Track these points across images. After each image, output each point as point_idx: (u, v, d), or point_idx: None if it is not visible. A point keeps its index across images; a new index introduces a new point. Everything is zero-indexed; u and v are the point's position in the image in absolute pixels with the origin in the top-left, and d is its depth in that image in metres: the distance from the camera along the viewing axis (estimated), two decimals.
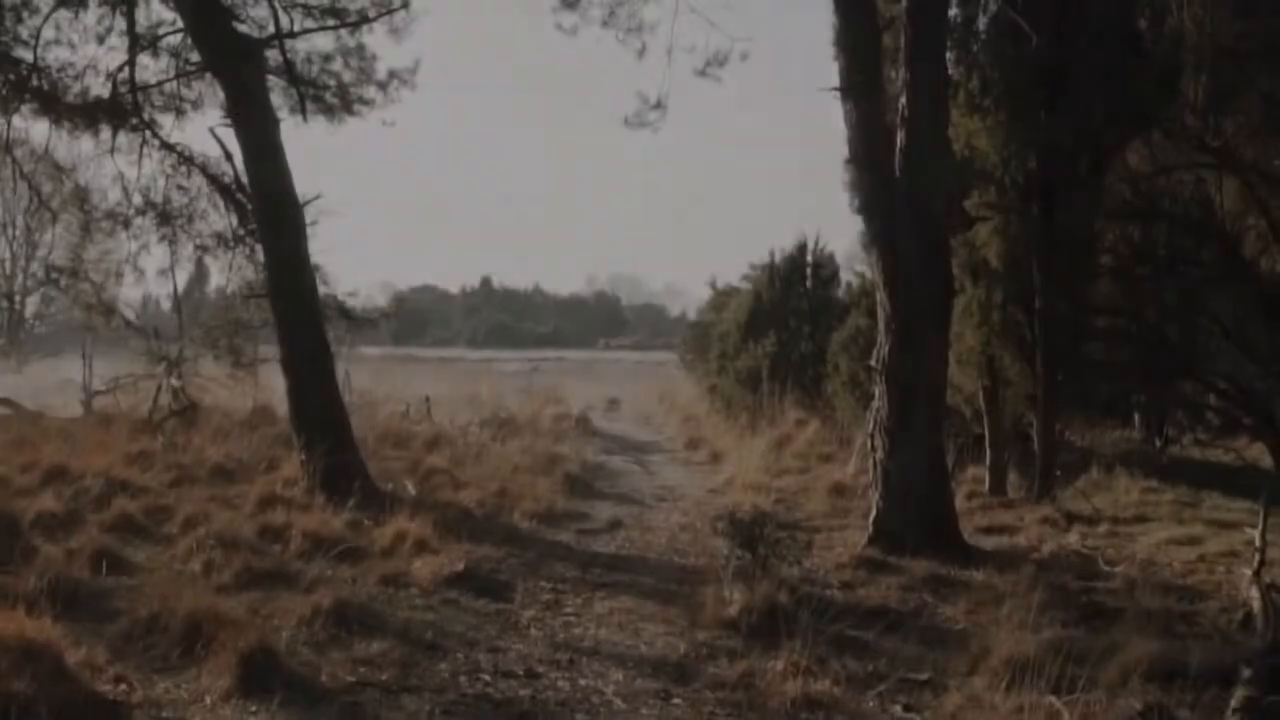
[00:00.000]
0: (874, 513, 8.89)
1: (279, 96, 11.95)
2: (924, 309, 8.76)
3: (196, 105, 12.52)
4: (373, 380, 20.59)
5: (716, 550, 8.70)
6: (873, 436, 9.01)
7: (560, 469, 12.72)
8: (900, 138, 8.80)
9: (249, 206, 11.11)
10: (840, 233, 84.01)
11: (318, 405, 10.37)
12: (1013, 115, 10.74)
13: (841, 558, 8.49)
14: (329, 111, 12.40)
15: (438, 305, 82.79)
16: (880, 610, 7.10)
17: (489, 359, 44.66)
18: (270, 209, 10.33)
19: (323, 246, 16.82)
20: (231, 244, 11.88)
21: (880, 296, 8.92)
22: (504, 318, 75.85)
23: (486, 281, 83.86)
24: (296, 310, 10.42)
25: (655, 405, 24.92)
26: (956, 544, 8.70)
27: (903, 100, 8.83)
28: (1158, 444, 14.97)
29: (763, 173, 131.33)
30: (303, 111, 11.74)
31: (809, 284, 19.29)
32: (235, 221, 11.68)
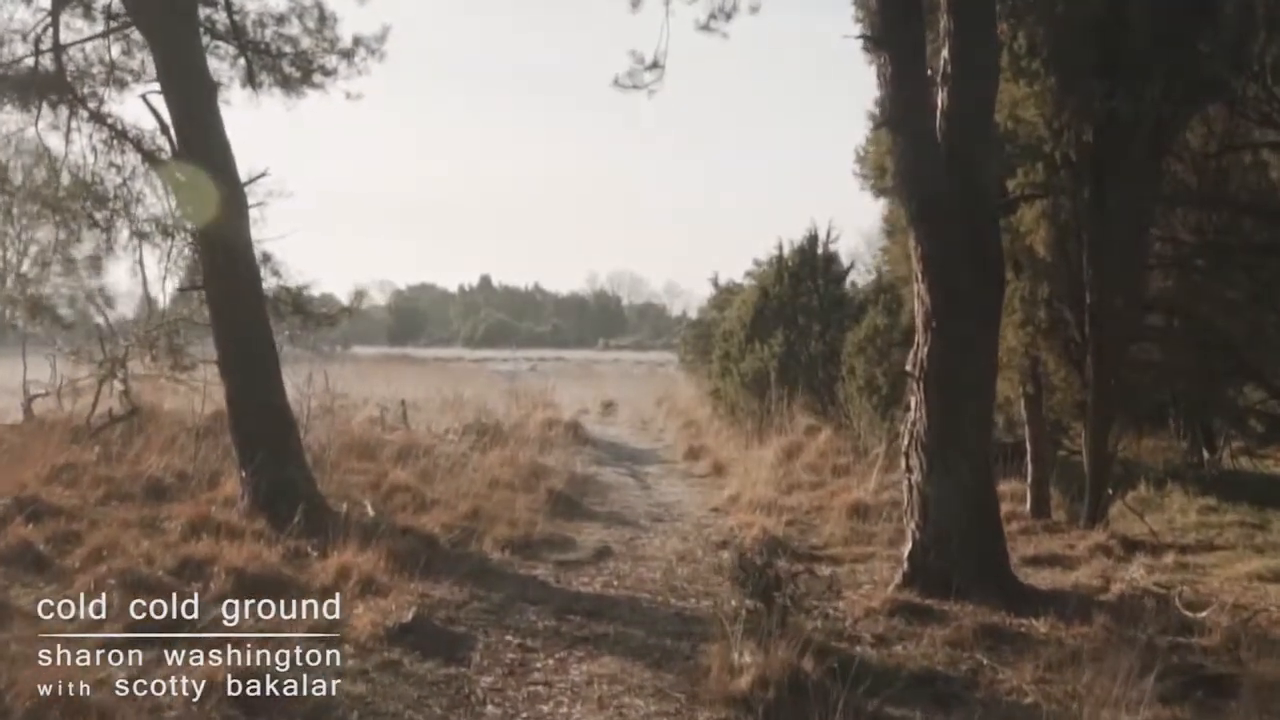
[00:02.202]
0: (909, 546, 7.44)
1: (230, 68, 10.65)
2: (971, 301, 7.25)
3: (138, 76, 11.13)
4: (356, 381, 19.27)
5: (721, 590, 7.33)
6: (907, 455, 7.53)
7: (544, 484, 11.34)
8: (941, 98, 7.36)
9: None
10: (844, 234, 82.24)
11: (259, 413, 8.98)
12: (1064, 82, 9.26)
13: (871, 600, 7.07)
14: (285, 83, 10.99)
15: (436, 304, 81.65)
16: (926, 676, 5.77)
17: (486, 359, 43.43)
18: (204, 187, 8.92)
19: (276, 233, 15.30)
20: (171, 230, 10.44)
21: (918, 288, 7.42)
22: (503, 317, 74.64)
23: (486, 280, 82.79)
24: (235, 304, 9.02)
25: (654, 409, 23.53)
26: (1009, 584, 7.26)
27: (944, 54, 7.37)
28: (1206, 455, 13.56)
29: (765, 171, 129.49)
30: (251, 81, 10.37)
31: (820, 279, 17.78)
32: (174, 204, 10.26)
